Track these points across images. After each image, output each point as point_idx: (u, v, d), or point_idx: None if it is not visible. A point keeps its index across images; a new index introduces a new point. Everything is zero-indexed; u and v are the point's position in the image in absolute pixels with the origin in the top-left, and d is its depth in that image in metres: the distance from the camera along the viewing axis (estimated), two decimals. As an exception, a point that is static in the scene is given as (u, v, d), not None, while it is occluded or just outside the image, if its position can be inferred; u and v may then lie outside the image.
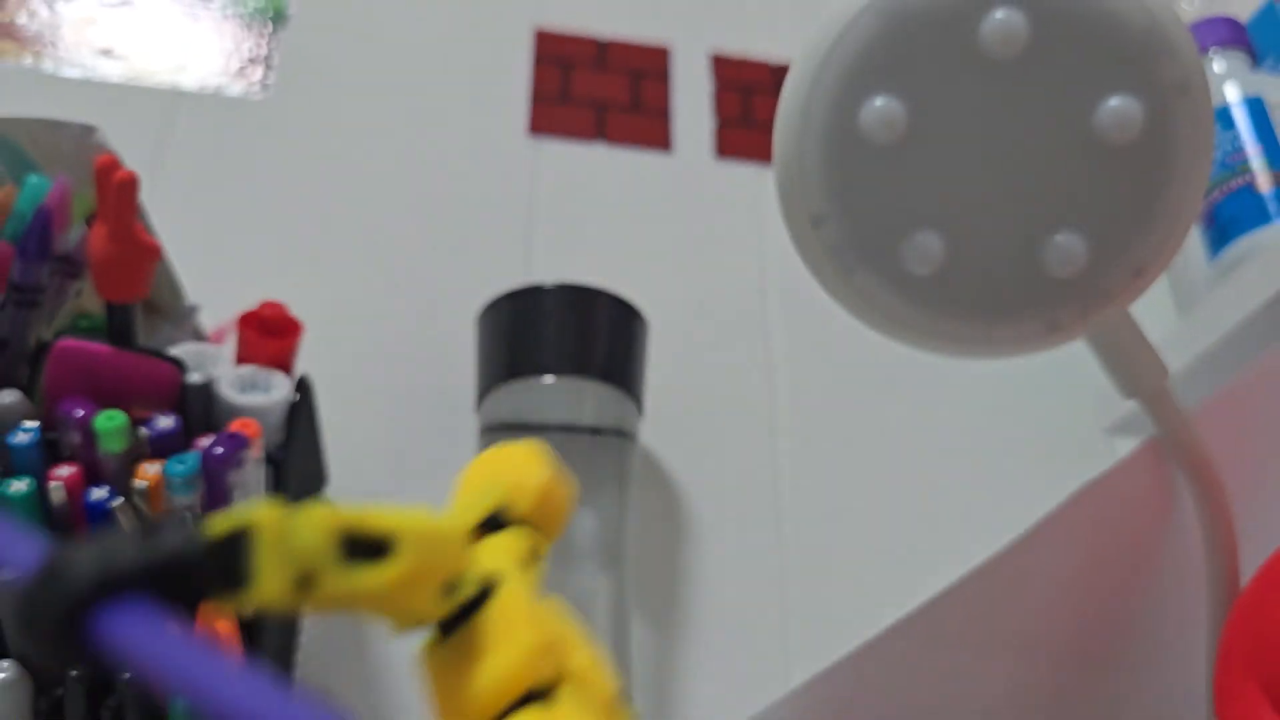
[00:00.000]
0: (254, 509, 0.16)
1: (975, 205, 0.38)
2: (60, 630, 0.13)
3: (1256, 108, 0.64)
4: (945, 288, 0.39)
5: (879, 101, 0.37)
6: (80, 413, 0.40)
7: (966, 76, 0.37)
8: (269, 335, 0.46)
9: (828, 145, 0.38)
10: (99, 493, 0.39)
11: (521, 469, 0.22)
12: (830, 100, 0.37)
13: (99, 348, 0.43)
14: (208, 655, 0.14)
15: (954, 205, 0.38)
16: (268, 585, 0.15)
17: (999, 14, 0.36)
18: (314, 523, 0.16)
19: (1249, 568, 0.41)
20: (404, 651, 0.54)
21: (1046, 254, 0.39)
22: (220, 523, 0.15)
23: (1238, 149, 0.63)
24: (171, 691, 0.13)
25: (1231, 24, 0.68)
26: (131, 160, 0.44)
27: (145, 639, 0.14)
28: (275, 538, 0.16)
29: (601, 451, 0.54)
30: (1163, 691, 0.46)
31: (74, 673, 0.37)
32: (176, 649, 0.14)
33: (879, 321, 0.40)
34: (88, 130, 0.47)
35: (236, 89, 0.71)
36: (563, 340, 0.55)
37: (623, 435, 0.55)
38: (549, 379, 0.54)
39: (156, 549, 0.14)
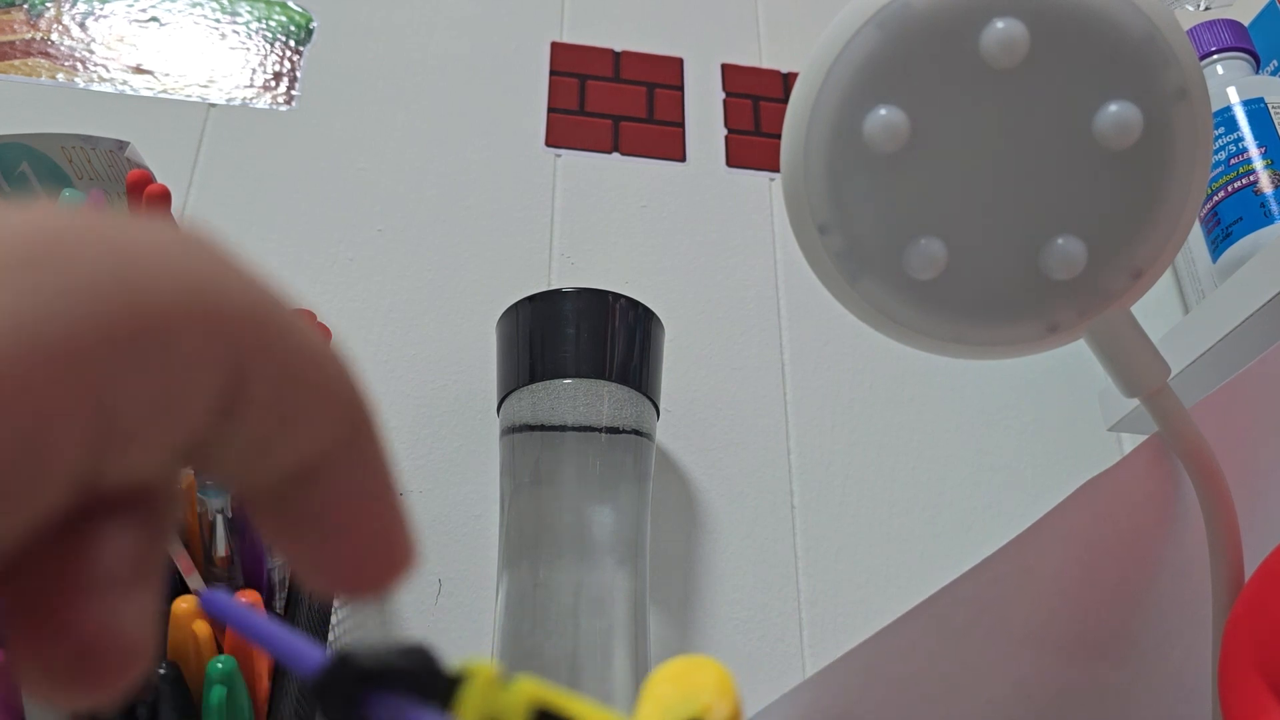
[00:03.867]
0: (480, 662, 0.19)
1: (977, 211, 0.39)
2: (345, 702, 0.18)
3: (1258, 109, 0.64)
4: (948, 292, 0.40)
5: (882, 111, 0.38)
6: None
7: (968, 85, 0.38)
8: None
9: (832, 155, 0.38)
10: (135, 495, 0.39)
11: (718, 694, 0.23)
12: (834, 111, 0.38)
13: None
14: None
15: (956, 211, 0.39)
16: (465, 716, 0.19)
17: (999, 24, 0.37)
18: (520, 688, 0.19)
19: (1252, 561, 0.41)
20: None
21: (1047, 257, 0.39)
22: (454, 661, 0.19)
23: (1240, 150, 0.63)
24: None
25: (1233, 26, 0.68)
26: (162, 174, 0.44)
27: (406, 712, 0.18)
28: (485, 685, 0.19)
29: (619, 451, 0.55)
30: (1168, 682, 0.46)
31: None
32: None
33: (885, 325, 0.41)
34: (120, 145, 0.48)
35: (264, 102, 0.72)
36: (581, 343, 0.56)
37: (640, 435, 0.56)
38: (568, 381, 0.55)
39: (408, 663, 0.18)
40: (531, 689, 0.19)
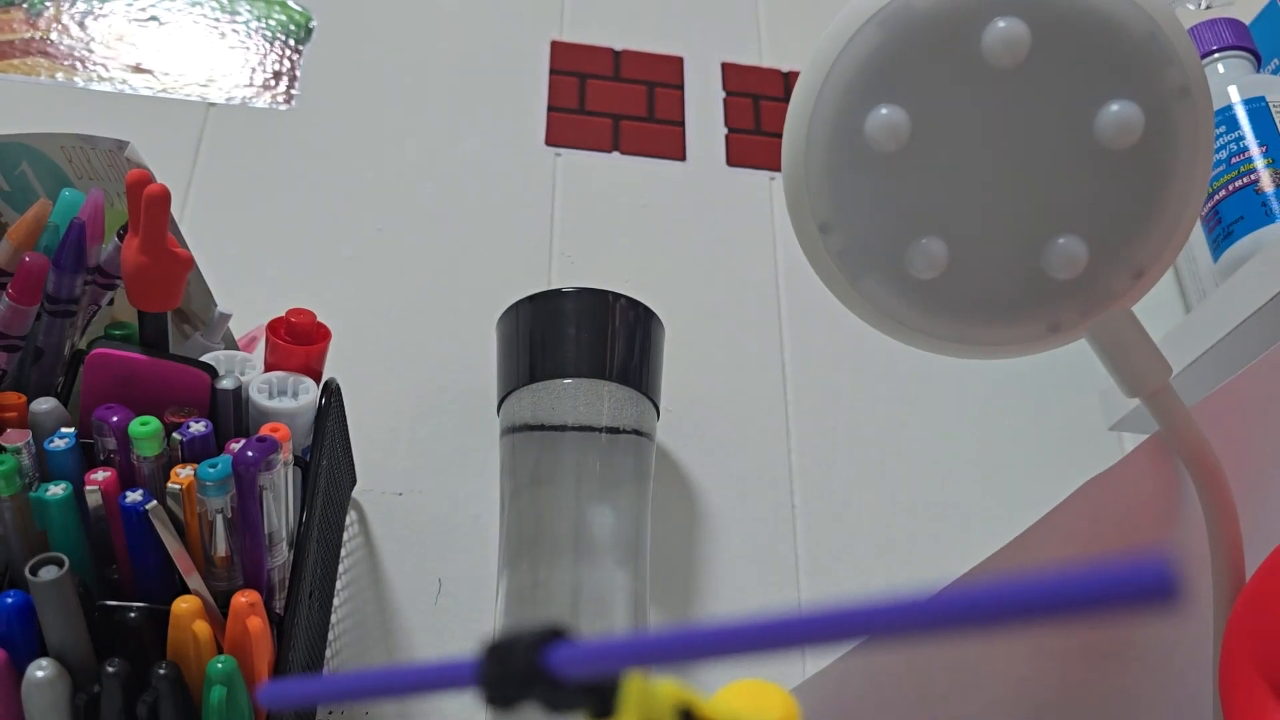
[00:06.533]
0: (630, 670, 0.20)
1: (978, 210, 0.39)
2: (526, 675, 0.18)
3: (1259, 108, 0.64)
4: (949, 291, 0.40)
5: (883, 111, 0.38)
6: (115, 418, 0.41)
7: (969, 85, 0.38)
8: (298, 341, 0.47)
9: (833, 154, 0.38)
10: (134, 496, 0.39)
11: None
12: (835, 110, 0.38)
13: (133, 355, 0.43)
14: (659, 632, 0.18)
15: (957, 211, 0.39)
16: (626, 718, 0.20)
17: (1000, 23, 0.37)
18: (668, 690, 0.20)
19: (1253, 560, 0.41)
20: (431, 651, 0.55)
21: (1049, 257, 0.39)
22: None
23: (1241, 149, 0.63)
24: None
25: (1235, 25, 0.67)
26: (162, 173, 0.44)
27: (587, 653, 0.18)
28: (641, 689, 0.20)
29: (620, 451, 0.55)
30: (1169, 682, 0.46)
31: (111, 669, 0.38)
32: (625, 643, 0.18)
33: (886, 325, 0.41)
34: (119, 145, 0.48)
35: (263, 101, 0.72)
36: (581, 343, 0.55)
37: (640, 435, 0.56)
38: (568, 381, 0.55)
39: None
40: (675, 691, 0.20)
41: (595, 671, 0.19)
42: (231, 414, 0.44)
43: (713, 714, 0.21)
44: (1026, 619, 0.14)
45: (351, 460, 0.57)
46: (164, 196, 0.42)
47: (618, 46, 0.79)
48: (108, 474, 0.40)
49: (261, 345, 0.48)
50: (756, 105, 0.78)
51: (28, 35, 0.71)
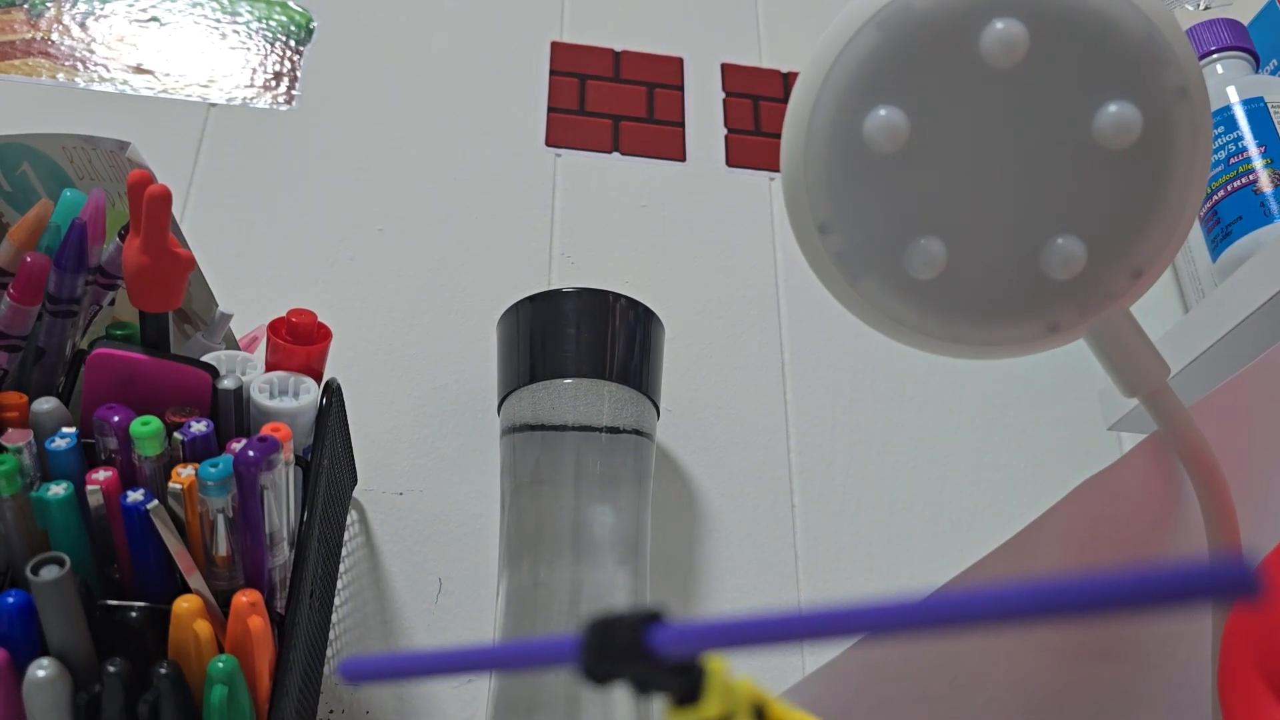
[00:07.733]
0: (714, 658, 0.21)
1: (977, 211, 0.39)
2: (629, 654, 0.19)
3: (1258, 108, 0.64)
4: (948, 291, 0.40)
5: (882, 112, 0.38)
6: (116, 418, 0.41)
7: (968, 85, 0.38)
8: (299, 341, 0.47)
9: (832, 155, 0.38)
10: (135, 496, 0.39)
11: None
12: (834, 111, 0.38)
13: (134, 355, 0.43)
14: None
15: (956, 211, 0.39)
16: (708, 707, 0.20)
17: (999, 24, 0.37)
18: (747, 688, 0.21)
19: (1252, 560, 0.41)
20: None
21: (1047, 257, 0.39)
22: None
23: (1240, 149, 0.63)
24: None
25: (1233, 25, 0.68)
26: (163, 173, 0.44)
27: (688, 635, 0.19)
28: (723, 682, 0.20)
29: (620, 450, 0.55)
30: (1168, 681, 0.47)
31: (112, 669, 0.38)
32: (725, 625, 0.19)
33: (884, 325, 0.41)
34: (121, 145, 0.48)
35: (264, 102, 0.72)
36: (581, 343, 0.56)
37: (640, 434, 0.56)
38: (568, 381, 0.55)
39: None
40: (753, 689, 0.21)
41: (696, 651, 0.19)
42: (233, 414, 0.44)
43: (783, 716, 0.21)
44: (1114, 611, 0.15)
45: (352, 460, 0.57)
46: (165, 197, 0.42)
47: (618, 47, 0.79)
48: (109, 474, 0.40)
49: (262, 345, 0.48)
50: (756, 106, 0.78)
51: (29, 36, 0.71)
